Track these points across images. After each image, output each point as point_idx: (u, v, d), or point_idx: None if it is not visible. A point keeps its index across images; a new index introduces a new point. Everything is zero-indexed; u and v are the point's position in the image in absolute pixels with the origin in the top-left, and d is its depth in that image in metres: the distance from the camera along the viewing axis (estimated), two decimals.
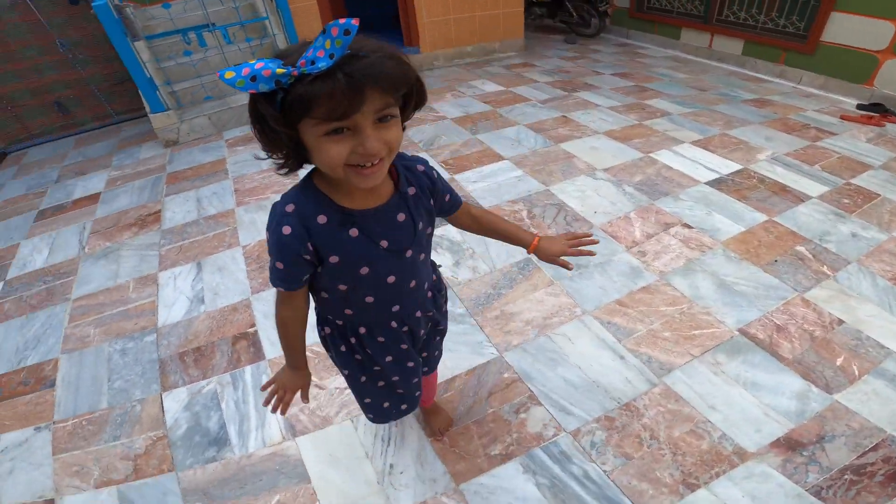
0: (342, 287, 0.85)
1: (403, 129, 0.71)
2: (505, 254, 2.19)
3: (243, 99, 3.22)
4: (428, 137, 3.43)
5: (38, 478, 1.46)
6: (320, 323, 0.98)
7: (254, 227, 2.57)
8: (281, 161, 0.70)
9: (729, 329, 1.76)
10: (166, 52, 3.87)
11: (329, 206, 0.75)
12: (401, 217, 0.81)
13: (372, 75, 0.58)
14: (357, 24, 0.56)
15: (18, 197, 3.31)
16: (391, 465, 1.41)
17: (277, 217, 0.74)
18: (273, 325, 1.80)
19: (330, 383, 1.66)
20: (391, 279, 0.86)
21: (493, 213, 1.09)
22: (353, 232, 0.77)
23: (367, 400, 1.11)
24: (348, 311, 0.91)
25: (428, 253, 0.95)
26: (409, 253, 0.85)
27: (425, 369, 1.22)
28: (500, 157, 3.08)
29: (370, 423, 1.32)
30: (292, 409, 1.56)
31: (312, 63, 0.56)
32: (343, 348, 0.98)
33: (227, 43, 3.87)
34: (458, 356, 1.72)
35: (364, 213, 0.77)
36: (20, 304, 2.21)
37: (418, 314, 0.99)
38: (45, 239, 2.71)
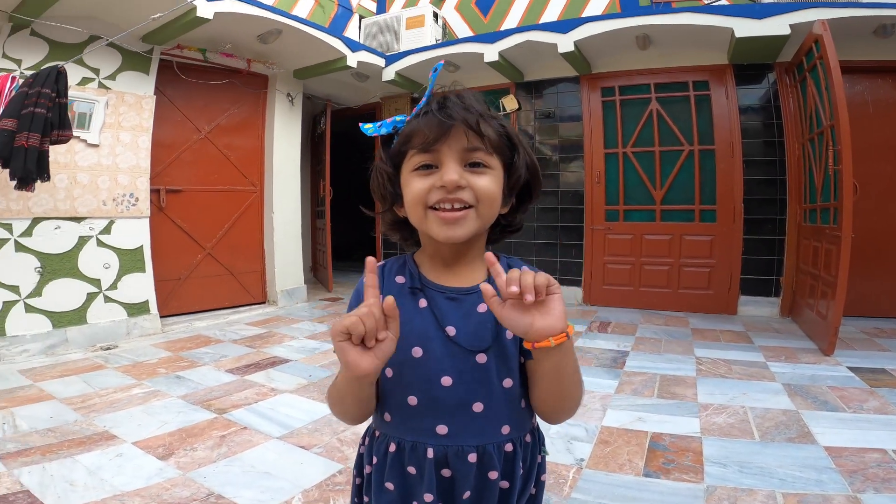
0: (388, 372, 0.69)
1: (518, 210, 0.74)
2: None
3: None
4: None
5: None
6: (364, 435, 0.79)
7: None
8: (386, 214, 0.75)
9: None
10: None
11: (411, 271, 0.73)
12: (482, 307, 0.68)
13: (458, 111, 0.64)
14: (442, 63, 0.74)
15: None
16: None
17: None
18: None
19: None
20: (446, 381, 0.67)
21: None
22: (422, 303, 0.70)
23: None
24: (387, 417, 0.71)
25: (518, 384, 0.69)
26: (481, 358, 0.67)
27: None
28: None
29: None
30: None
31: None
32: (367, 470, 0.75)
33: None
34: None
35: (440, 289, 0.70)
36: None
37: (472, 458, 0.67)
38: None
